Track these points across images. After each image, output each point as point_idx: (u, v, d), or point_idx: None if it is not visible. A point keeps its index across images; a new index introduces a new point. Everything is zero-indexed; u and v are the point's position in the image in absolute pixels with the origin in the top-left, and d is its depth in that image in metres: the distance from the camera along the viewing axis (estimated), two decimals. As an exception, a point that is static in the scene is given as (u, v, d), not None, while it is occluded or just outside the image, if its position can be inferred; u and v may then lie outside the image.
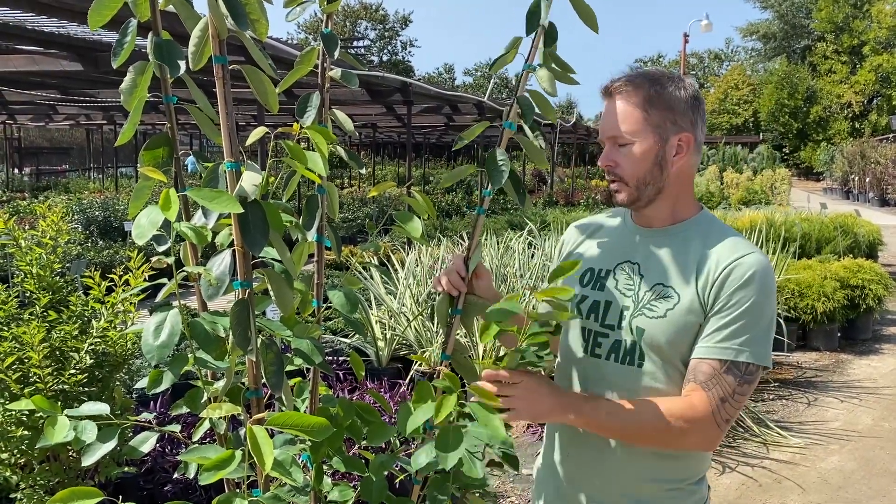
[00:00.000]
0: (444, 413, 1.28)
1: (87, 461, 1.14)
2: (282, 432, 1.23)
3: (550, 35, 1.48)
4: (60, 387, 2.69)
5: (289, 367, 1.32)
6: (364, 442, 1.45)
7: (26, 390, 2.63)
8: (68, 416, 1.14)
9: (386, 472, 1.44)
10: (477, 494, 1.52)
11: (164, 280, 1.25)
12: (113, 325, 2.91)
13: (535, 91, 1.51)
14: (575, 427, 1.62)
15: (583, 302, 1.63)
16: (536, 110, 1.51)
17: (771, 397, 5.73)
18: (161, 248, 1.21)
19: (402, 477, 1.58)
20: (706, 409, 1.44)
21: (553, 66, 1.48)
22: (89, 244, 10.23)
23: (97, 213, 12.60)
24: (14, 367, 2.63)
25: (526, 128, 1.51)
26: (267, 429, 1.06)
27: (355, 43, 59.48)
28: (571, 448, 1.65)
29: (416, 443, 1.61)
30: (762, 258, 1.50)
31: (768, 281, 1.49)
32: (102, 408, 1.17)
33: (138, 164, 1.22)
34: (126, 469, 2.92)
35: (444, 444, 1.28)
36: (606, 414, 1.47)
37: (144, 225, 1.05)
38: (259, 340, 1.17)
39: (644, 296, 1.55)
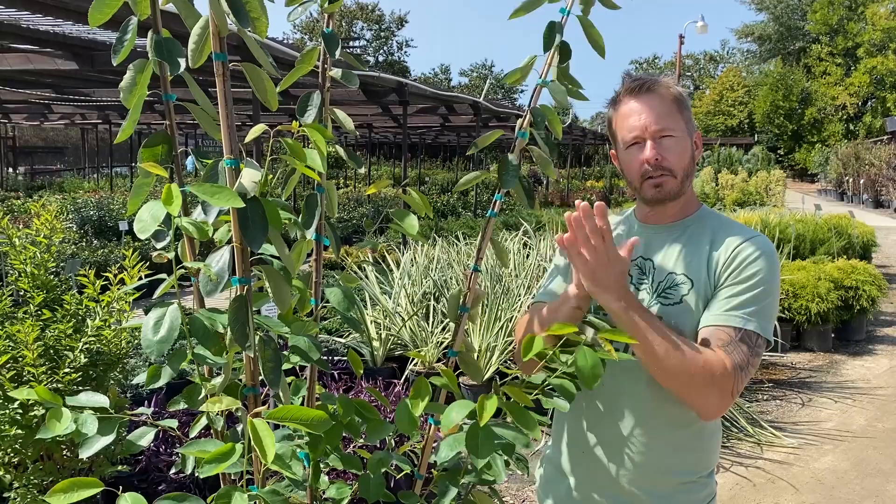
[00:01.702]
0: (488, 415, 1.27)
1: (86, 454, 1.14)
2: (279, 427, 1.24)
3: (564, 53, 1.54)
4: (55, 385, 2.69)
5: (285, 366, 1.32)
6: (361, 440, 1.46)
7: (20, 389, 2.62)
8: (69, 407, 1.14)
9: (383, 470, 1.44)
10: (485, 491, 1.52)
11: (160, 278, 1.26)
12: (108, 324, 2.91)
13: (546, 106, 1.55)
14: (585, 425, 1.63)
15: None
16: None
17: (765, 398, 5.75)
18: (160, 245, 1.22)
19: (399, 476, 1.59)
20: (729, 371, 1.43)
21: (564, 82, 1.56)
22: (84, 243, 10.21)
23: (92, 212, 12.57)
24: (8, 365, 2.63)
25: (538, 137, 1.55)
26: (266, 422, 1.07)
27: (351, 43, 59.47)
28: (583, 445, 1.65)
29: (412, 440, 1.62)
30: (767, 240, 1.57)
31: (775, 260, 1.55)
32: (102, 399, 1.17)
33: (136, 162, 1.23)
34: (120, 468, 2.92)
35: (474, 445, 1.27)
36: (655, 325, 1.43)
37: (146, 219, 1.05)
38: (257, 337, 1.17)
39: (658, 286, 1.59)
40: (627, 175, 1.64)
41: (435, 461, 1.47)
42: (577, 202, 1.53)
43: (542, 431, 4.74)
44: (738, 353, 1.45)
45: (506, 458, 1.39)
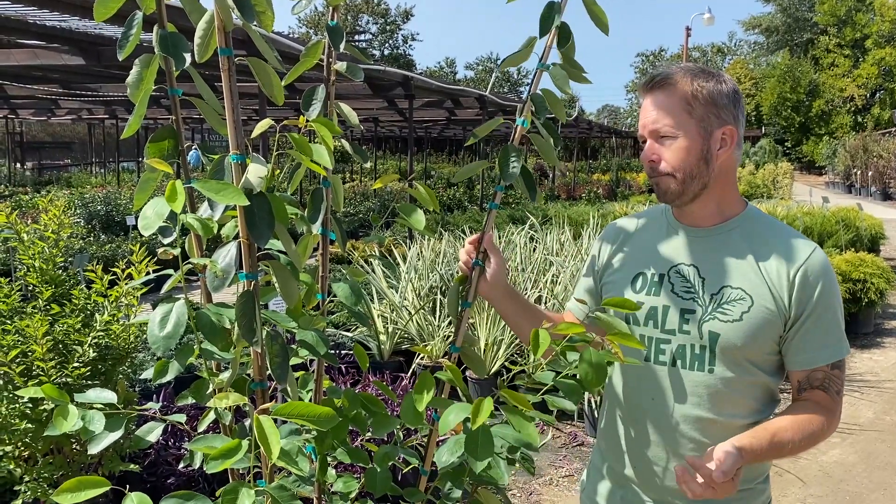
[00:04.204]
0: (482, 418, 1.23)
1: (94, 450, 1.14)
2: (286, 422, 1.24)
3: (565, 36, 1.49)
4: (64, 380, 2.70)
5: (293, 361, 1.32)
6: (369, 434, 1.46)
7: (30, 383, 2.64)
8: (76, 404, 1.15)
9: (390, 464, 1.44)
10: (490, 489, 1.51)
11: (168, 273, 1.26)
12: (116, 319, 2.92)
13: (547, 90, 1.51)
14: (633, 434, 1.61)
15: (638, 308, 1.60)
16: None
17: (772, 391, 5.73)
18: (166, 240, 1.22)
19: (406, 469, 1.59)
20: (835, 407, 1.56)
21: (566, 65, 1.51)
22: (91, 238, 10.25)
23: (99, 207, 12.61)
24: (18, 360, 2.64)
25: (539, 125, 1.50)
26: (273, 419, 1.07)
27: (357, 37, 59.37)
28: (632, 455, 1.63)
29: (419, 434, 1.62)
30: (822, 253, 1.54)
31: (833, 273, 1.55)
32: (110, 395, 1.18)
33: (143, 157, 1.23)
34: (132, 467, 2.93)
35: (473, 447, 1.25)
36: (781, 446, 1.49)
37: (150, 216, 1.05)
38: (264, 332, 1.18)
39: (711, 299, 1.52)
40: None
41: (442, 456, 1.46)
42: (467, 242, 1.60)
43: (551, 427, 4.73)
44: (835, 383, 1.55)
45: (510, 456, 1.37)
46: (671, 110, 1.51)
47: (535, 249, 6.78)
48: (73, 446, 2.83)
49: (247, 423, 1.32)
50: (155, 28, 1.19)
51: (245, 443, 1.07)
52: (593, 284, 1.75)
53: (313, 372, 1.48)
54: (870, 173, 26.88)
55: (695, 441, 1.54)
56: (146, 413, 1.34)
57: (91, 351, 2.79)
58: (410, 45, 65.54)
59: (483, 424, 1.25)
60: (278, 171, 1.28)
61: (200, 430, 1.36)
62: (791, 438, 1.49)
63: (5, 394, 2.62)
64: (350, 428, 1.44)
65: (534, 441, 1.30)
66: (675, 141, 1.51)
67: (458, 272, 1.64)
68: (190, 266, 1.20)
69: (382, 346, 5.48)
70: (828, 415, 1.54)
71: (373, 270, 6.18)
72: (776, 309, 1.49)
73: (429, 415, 1.51)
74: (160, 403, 2.80)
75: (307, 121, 1.28)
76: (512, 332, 5.17)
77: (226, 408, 1.28)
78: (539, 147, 1.53)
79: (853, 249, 8.47)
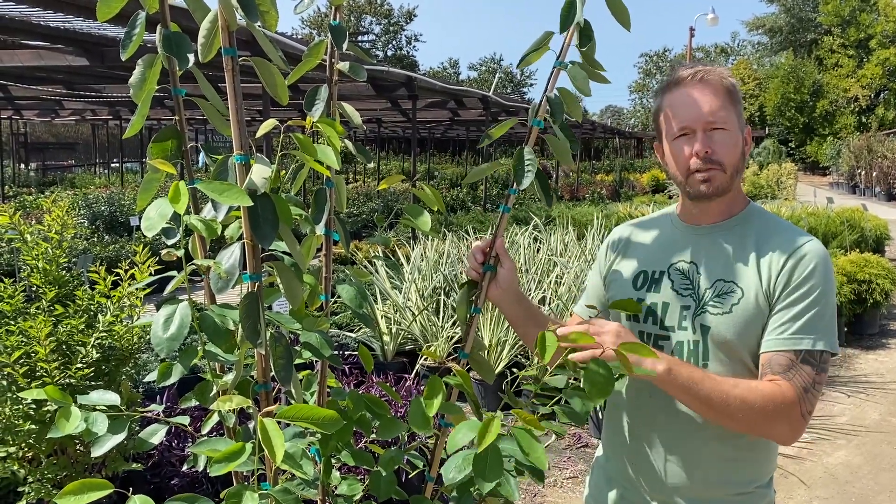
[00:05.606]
0: (489, 440, 1.19)
1: (97, 452, 1.14)
2: (290, 425, 1.23)
3: (586, 34, 1.42)
4: (67, 381, 2.70)
5: (297, 361, 1.31)
6: (373, 436, 1.45)
7: (33, 384, 2.64)
8: (79, 405, 1.14)
9: (395, 467, 1.43)
10: (500, 500, 1.50)
11: (171, 274, 1.25)
12: (119, 320, 2.92)
13: (564, 88, 1.46)
14: (635, 434, 1.60)
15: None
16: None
17: (777, 392, 5.71)
18: (170, 242, 1.21)
19: (412, 473, 1.58)
20: (793, 398, 1.40)
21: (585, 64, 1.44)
22: (95, 239, 10.26)
23: (103, 207, 12.63)
24: (21, 361, 2.64)
25: (556, 127, 1.45)
26: (277, 421, 1.06)
27: (360, 38, 59.41)
28: (634, 455, 1.62)
29: (425, 437, 1.60)
30: (820, 245, 1.50)
31: (829, 267, 1.49)
32: (113, 397, 1.17)
33: (146, 158, 1.22)
34: (134, 466, 2.93)
35: (481, 468, 1.21)
36: (698, 377, 1.40)
37: (154, 217, 1.05)
38: (268, 334, 1.17)
39: (705, 293, 1.52)
40: (672, 168, 1.56)
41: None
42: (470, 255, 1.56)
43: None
44: (801, 376, 1.42)
45: (518, 468, 1.35)
46: (722, 104, 1.50)
47: (538, 250, 6.77)
48: (77, 447, 2.82)
49: (251, 425, 1.31)
50: (158, 28, 1.18)
51: (249, 445, 1.06)
52: (600, 287, 1.75)
53: (317, 373, 1.47)
54: (874, 174, 26.81)
55: (693, 437, 1.54)
56: (150, 415, 1.34)
57: (94, 352, 2.79)
58: (414, 46, 65.46)
59: (484, 448, 1.21)
60: (283, 171, 1.27)
61: (204, 432, 1.35)
62: (717, 387, 1.38)
63: (9, 395, 2.61)
64: (354, 429, 1.43)
65: (542, 465, 1.26)
66: (727, 134, 1.50)
67: (461, 273, 1.63)
68: (193, 267, 1.20)
69: (386, 347, 5.47)
70: (782, 402, 1.39)
71: (376, 271, 6.17)
72: (765, 299, 1.48)
73: (435, 419, 1.49)
74: (164, 405, 2.80)
75: (312, 121, 1.27)
76: (516, 333, 5.16)
77: (229, 410, 1.27)
78: (555, 148, 1.47)
79: (858, 250, 8.44)
